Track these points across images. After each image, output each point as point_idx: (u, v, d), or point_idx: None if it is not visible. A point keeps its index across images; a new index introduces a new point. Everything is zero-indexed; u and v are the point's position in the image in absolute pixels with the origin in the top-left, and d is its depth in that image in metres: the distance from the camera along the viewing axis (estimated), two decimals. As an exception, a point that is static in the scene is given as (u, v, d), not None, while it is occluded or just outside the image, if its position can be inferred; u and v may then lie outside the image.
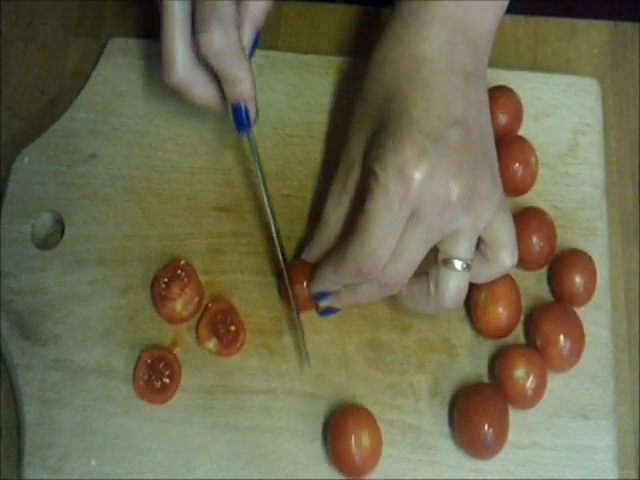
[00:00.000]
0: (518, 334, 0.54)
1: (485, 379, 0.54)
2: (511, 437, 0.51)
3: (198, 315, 0.55)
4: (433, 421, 0.52)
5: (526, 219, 0.54)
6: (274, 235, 0.53)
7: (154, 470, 0.52)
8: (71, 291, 0.55)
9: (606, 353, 0.54)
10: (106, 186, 0.58)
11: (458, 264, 0.47)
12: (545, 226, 0.55)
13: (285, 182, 0.58)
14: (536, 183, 0.57)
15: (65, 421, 0.53)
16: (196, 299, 0.54)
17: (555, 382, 0.53)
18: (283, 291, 0.54)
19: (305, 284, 0.53)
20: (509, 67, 0.60)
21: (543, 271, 0.56)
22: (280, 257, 0.53)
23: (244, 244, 0.56)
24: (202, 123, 0.59)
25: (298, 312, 0.53)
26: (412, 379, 0.53)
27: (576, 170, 0.58)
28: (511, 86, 0.58)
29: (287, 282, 0.53)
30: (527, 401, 0.51)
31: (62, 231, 0.57)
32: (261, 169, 0.53)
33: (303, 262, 0.54)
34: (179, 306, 0.54)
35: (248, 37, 0.51)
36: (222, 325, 0.54)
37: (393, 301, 0.53)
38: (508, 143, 0.56)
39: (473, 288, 0.52)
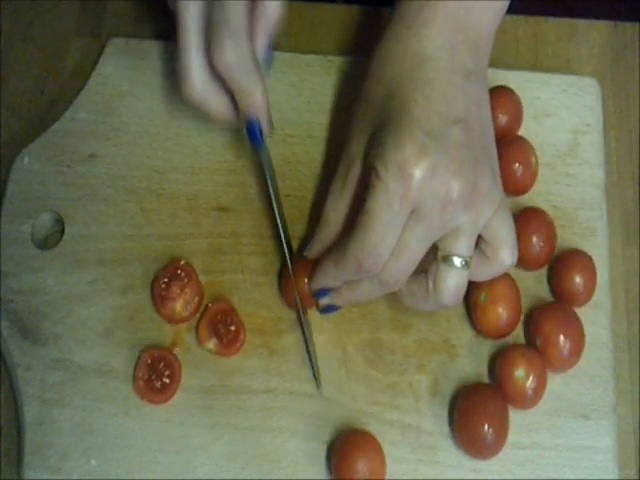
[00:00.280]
0: (518, 334, 0.54)
1: (485, 379, 0.54)
2: (511, 437, 0.51)
3: (198, 315, 0.55)
4: (433, 421, 0.52)
5: (526, 219, 0.54)
6: (282, 235, 0.54)
7: (154, 470, 0.52)
8: (71, 291, 0.55)
9: (606, 353, 0.54)
10: (106, 186, 0.58)
11: (457, 261, 0.47)
12: (545, 226, 0.55)
13: (285, 182, 0.58)
14: (536, 183, 0.57)
15: (65, 421, 0.53)
16: (196, 299, 0.54)
17: (555, 382, 0.53)
18: (284, 290, 0.54)
19: (306, 281, 0.53)
20: (509, 67, 0.60)
21: (543, 271, 0.56)
22: (288, 258, 0.53)
23: (244, 244, 0.56)
24: (202, 123, 0.59)
25: (304, 314, 0.53)
26: (412, 379, 0.53)
27: (576, 170, 0.58)
28: (511, 86, 0.58)
29: (294, 285, 0.53)
30: (527, 401, 0.51)
31: (62, 231, 0.57)
32: (274, 184, 0.54)
33: (304, 259, 0.54)
34: (179, 306, 0.54)
35: (261, 47, 0.51)
36: (222, 325, 0.54)
37: (393, 300, 0.53)
38: (508, 143, 0.56)
39: (473, 288, 0.52)
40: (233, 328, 0.54)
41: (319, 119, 0.59)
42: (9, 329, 0.54)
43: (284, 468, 0.52)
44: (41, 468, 0.52)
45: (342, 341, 0.54)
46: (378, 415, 0.52)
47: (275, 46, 0.53)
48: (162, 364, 0.53)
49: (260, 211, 0.57)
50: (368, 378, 0.53)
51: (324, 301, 0.52)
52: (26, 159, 0.58)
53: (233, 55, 0.48)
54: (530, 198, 0.57)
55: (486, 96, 0.50)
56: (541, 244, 0.54)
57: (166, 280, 0.54)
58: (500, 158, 0.51)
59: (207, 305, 0.55)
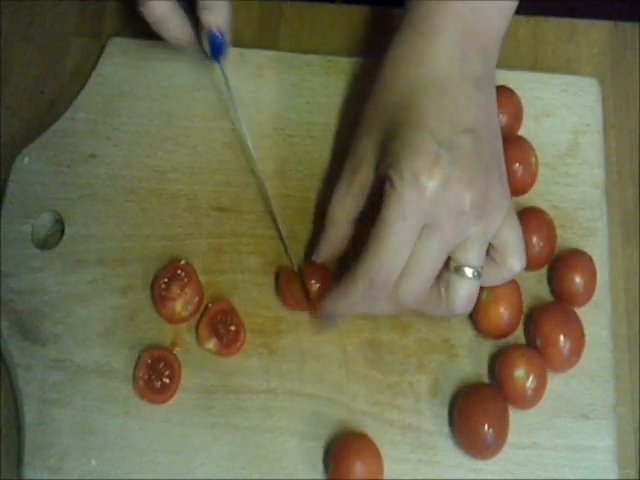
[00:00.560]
0: (518, 334, 0.54)
1: (485, 379, 0.54)
2: (511, 437, 0.51)
3: (198, 315, 0.55)
4: (433, 421, 0.52)
5: (526, 219, 0.54)
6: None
7: (154, 470, 0.52)
8: (71, 291, 0.55)
9: (606, 353, 0.54)
10: (106, 186, 0.58)
11: (469, 272, 0.47)
12: (545, 226, 0.55)
13: (285, 182, 0.58)
14: (536, 183, 0.57)
15: (65, 421, 0.53)
16: (196, 299, 0.54)
17: (555, 382, 0.53)
18: (281, 293, 0.54)
19: (313, 282, 0.53)
20: (509, 67, 0.60)
21: (543, 271, 0.56)
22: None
23: (244, 244, 0.56)
24: (202, 123, 0.59)
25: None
26: (412, 379, 0.53)
27: (576, 170, 0.58)
28: (511, 86, 0.58)
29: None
30: (527, 401, 0.51)
31: (62, 231, 0.57)
32: (234, 101, 0.55)
33: (312, 264, 0.54)
34: (179, 306, 0.54)
35: None
36: (222, 325, 0.54)
37: (393, 301, 0.53)
38: (508, 143, 0.55)
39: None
40: (233, 328, 0.54)
41: (319, 119, 0.59)
42: (9, 329, 0.54)
43: (284, 468, 0.52)
44: (41, 468, 0.52)
45: (342, 341, 0.54)
46: (378, 415, 0.52)
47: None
48: (162, 364, 0.53)
49: (260, 211, 0.57)
50: (368, 378, 0.53)
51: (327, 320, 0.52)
52: (26, 159, 0.58)
53: None
54: (530, 198, 0.57)
55: (494, 103, 0.51)
56: (541, 244, 0.54)
57: (166, 280, 0.54)
58: (500, 158, 0.51)
59: (207, 305, 0.55)
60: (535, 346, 0.53)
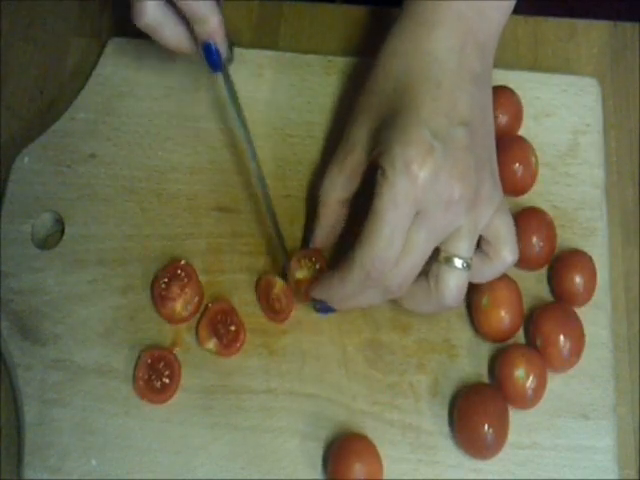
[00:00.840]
0: (518, 334, 0.54)
1: (485, 379, 0.54)
2: (511, 437, 0.51)
3: (198, 315, 0.55)
4: (433, 421, 0.52)
5: (526, 219, 0.54)
6: (267, 200, 0.54)
7: (154, 470, 0.52)
8: (71, 291, 0.55)
9: (606, 353, 0.54)
10: (106, 186, 0.58)
11: (459, 262, 0.47)
12: (545, 226, 0.55)
13: (285, 182, 0.58)
14: (536, 183, 0.57)
15: (65, 421, 0.53)
16: (196, 299, 0.54)
17: (555, 382, 0.53)
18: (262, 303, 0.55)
19: (309, 270, 0.53)
20: (509, 67, 0.60)
21: (543, 271, 0.56)
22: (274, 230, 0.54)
23: (244, 244, 0.56)
24: (202, 123, 0.59)
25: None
26: (412, 379, 0.53)
27: (576, 170, 0.58)
28: (511, 86, 0.58)
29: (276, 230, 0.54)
30: (527, 401, 0.51)
31: (62, 231, 0.57)
32: (240, 113, 0.54)
33: (308, 250, 0.54)
34: (179, 306, 0.54)
35: None
36: (222, 325, 0.54)
37: (393, 301, 0.53)
38: (508, 143, 0.56)
39: (475, 291, 0.53)
40: (233, 328, 0.54)
41: (319, 119, 0.59)
42: (9, 329, 0.54)
43: (284, 468, 0.52)
44: (41, 468, 0.52)
45: (342, 341, 0.54)
46: (378, 415, 0.52)
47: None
48: (162, 364, 0.53)
49: (260, 211, 0.57)
50: (368, 378, 0.53)
51: (325, 306, 0.52)
52: (26, 159, 0.58)
53: None
54: (530, 198, 0.57)
55: (490, 99, 0.51)
56: (541, 244, 0.54)
57: (166, 280, 0.54)
58: (500, 158, 0.51)
59: (207, 305, 0.55)
60: (535, 346, 0.53)
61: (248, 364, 0.54)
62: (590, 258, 0.54)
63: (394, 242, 0.45)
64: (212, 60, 0.52)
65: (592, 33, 0.63)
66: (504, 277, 0.52)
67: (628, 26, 0.63)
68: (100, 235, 0.56)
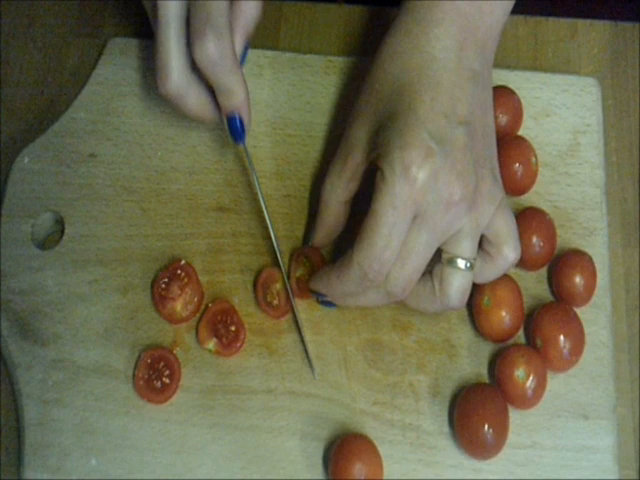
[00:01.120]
0: (518, 334, 0.54)
1: (485, 379, 0.54)
2: (511, 437, 0.51)
3: (198, 315, 0.55)
4: (433, 421, 0.53)
5: (526, 219, 0.54)
6: (274, 243, 0.54)
7: (154, 470, 0.52)
8: (71, 291, 0.55)
9: (606, 353, 0.54)
10: (106, 186, 0.58)
11: (462, 263, 0.47)
12: (545, 226, 0.55)
13: (285, 182, 0.58)
14: (536, 183, 0.57)
15: (65, 421, 0.53)
16: (196, 299, 0.54)
17: (555, 382, 0.53)
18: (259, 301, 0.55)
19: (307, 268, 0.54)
20: (509, 67, 0.60)
21: (543, 271, 0.56)
22: (278, 253, 0.54)
23: (244, 244, 0.56)
24: (202, 123, 0.59)
25: (297, 315, 0.54)
26: (412, 379, 0.53)
27: (576, 170, 0.58)
28: (511, 86, 0.58)
29: (288, 284, 0.54)
30: (527, 401, 0.51)
31: (62, 231, 0.57)
32: (257, 178, 0.54)
33: (308, 249, 0.54)
34: (179, 306, 0.54)
35: (239, 45, 0.51)
36: (222, 325, 0.54)
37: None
38: (508, 143, 0.56)
39: (476, 292, 0.53)
40: (233, 328, 0.54)
41: (319, 119, 0.59)
42: (9, 329, 0.54)
43: (284, 468, 0.52)
44: (41, 468, 0.52)
45: (342, 341, 0.54)
46: (378, 415, 0.52)
47: (249, 45, 0.53)
48: (162, 364, 0.53)
49: (260, 211, 0.57)
50: (368, 378, 0.53)
51: (325, 300, 0.52)
52: (26, 159, 0.58)
53: (216, 51, 0.48)
54: (530, 198, 0.57)
55: (490, 98, 0.51)
56: (541, 244, 0.54)
57: (166, 280, 0.54)
58: (500, 158, 0.51)
59: (207, 305, 0.55)
60: (535, 346, 0.53)
61: (248, 364, 0.54)
62: (590, 258, 0.54)
63: (392, 243, 0.45)
64: (236, 132, 0.52)
65: (592, 33, 0.63)
66: (505, 277, 0.52)
67: (628, 26, 0.63)
68: (100, 235, 0.56)
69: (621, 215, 0.58)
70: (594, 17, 0.63)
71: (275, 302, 0.54)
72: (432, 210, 0.45)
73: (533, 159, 0.56)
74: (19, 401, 0.53)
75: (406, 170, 0.45)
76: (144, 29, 0.63)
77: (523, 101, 0.58)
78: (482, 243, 0.49)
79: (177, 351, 0.54)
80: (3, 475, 0.53)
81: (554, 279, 0.55)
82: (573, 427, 0.52)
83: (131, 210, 0.57)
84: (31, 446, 0.52)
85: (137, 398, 0.53)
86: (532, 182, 0.56)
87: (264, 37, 0.63)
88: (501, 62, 0.61)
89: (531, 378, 0.51)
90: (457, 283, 0.48)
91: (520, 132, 0.58)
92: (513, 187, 0.55)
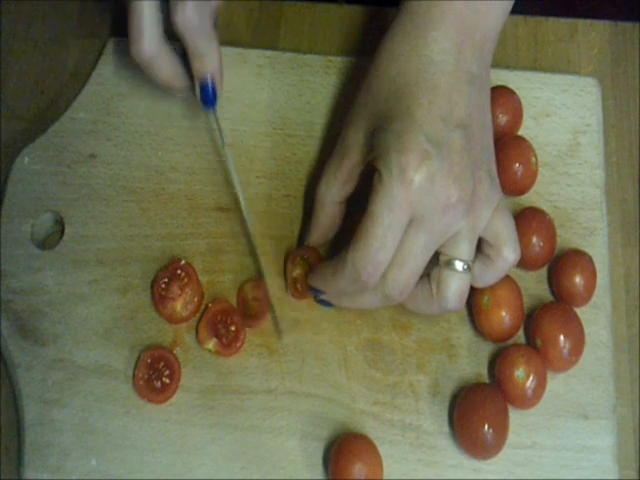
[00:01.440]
0: (518, 334, 0.54)
1: (485, 379, 0.54)
2: (511, 437, 0.51)
3: (198, 315, 0.55)
4: (433, 421, 0.53)
5: (526, 219, 0.54)
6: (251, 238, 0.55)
7: (154, 470, 0.52)
8: (71, 291, 0.55)
9: (606, 353, 0.54)
10: (106, 186, 0.58)
11: (459, 265, 0.47)
12: (545, 226, 0.55)
13: (285, 182, 0.58)
14: (536, 183, 0.57)
15: (65, 421, 0.53)
16: (196, 299, 0.54)
17: (555, 382, 0.53)
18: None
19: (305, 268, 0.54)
20: (509, 67, 0.60)
21: (543, 271, 0.56)
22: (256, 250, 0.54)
23: (244, 244, 0.56)
24: (202, 123, 0.59)
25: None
26: (412, 379, 0.53)
27: (576, 170, 0.58)
28: (511, 86, 0.58)
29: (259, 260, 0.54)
30: (527, 401, 0.51)
31: (62, 231, 0.57)
32: (227, 145, 0.55)
33: (304, 248, 0.54)
34: (179, 306, 0.54)
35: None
36: (222, 325, 0.54)
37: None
38: (508, 143, 0.56)
39: (476, 292, 0.52)
40: (233, 328, 0.54)
41: (319, 119, 0.59)
42: (9, 329, 0.54)
43: (284, 468, 0.52)
44: (41, 468, 0.52)
45: (342, 341, 0.54)
46: (378, 415, 0.52)
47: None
48: (162, 364, 0.53)
49: (260, 211, 0.57)
50: (368, 378, 0.53)
51: (322, 297, 0.52)
52: (26, 159, 0.58)
53: (195, 16, 0.49)
54: (530, 198, 0.57)
55: (487, 100, 0.51)
56: (541, 244, 0.54)
57: (166, 280, 0.54)
58: (500, 158, 0.51)
59: (207, 305, 0.55)
60: (535, 346, 0.53)
61: (248, 364, 0.54)
62: (590, 258, 0.54)
63: (386, 245, 0.45)
64: (207, 98, 0.53)
65: (592, 33, 0.63)
66: (505, 277, 0.52)
67: (628, 26, 0.63)
68: (100, 235, 0.56)
69: (621, 215, 0.58)
70: (594, 17, 0.63)
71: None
72: (429, 213, 0.45)
73: (533, 159, 0.56)
74: (19, 401, 0.53)
75: (403, 173, 0.45)
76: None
77: (523, 101, 0.58)
78: (481, 246, 0.49)
79: (177, 351, 0.54)
80: (3, 475, 0.53)
81: (554, 279, 0.55)
82: (573, 427, 0.52)
83: (131, 210, 0.57)
84: (31, 446, 0.52)
85: (137, 398, 0.53)
86: (532, 182, 0.56)
87: (264, 37, 0.63)
88: (501, 62, 0.60)
89: (531, 378, 0.51)
90: (455, 285, 0.48)
91: (520, 132, 0.58)
92: (513, 187, 0.55)
